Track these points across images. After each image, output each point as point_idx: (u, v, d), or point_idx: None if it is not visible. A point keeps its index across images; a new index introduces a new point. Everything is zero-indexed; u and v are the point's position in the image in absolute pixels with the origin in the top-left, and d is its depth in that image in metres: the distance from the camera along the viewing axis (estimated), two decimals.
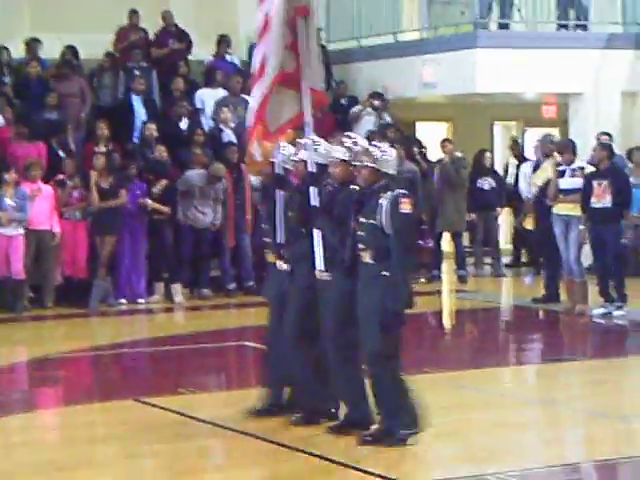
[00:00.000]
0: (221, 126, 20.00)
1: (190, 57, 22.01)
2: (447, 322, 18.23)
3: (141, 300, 18.23)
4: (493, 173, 20.64)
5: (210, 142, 19.46)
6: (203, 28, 22.09)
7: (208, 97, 20.97)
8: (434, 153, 21.40)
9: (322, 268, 9.63)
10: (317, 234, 9.69)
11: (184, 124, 20.01)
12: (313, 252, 9.71)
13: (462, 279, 20.58)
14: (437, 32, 23.29)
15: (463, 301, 19.26)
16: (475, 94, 21.88)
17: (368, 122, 21.73)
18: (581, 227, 16.62)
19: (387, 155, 9.44)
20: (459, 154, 20.90)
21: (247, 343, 14.86)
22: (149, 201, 18.11)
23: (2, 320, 16.93)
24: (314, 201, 9.81)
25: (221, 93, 20.81)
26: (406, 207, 9.20)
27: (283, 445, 9.54)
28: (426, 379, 12.54)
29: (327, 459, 9.13)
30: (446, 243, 21.38)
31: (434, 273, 20.82)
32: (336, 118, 22.00)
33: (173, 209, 18.38)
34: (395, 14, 23.26)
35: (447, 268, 21.27)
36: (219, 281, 19.03)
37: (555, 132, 22.06)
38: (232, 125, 20.04)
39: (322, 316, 9.71)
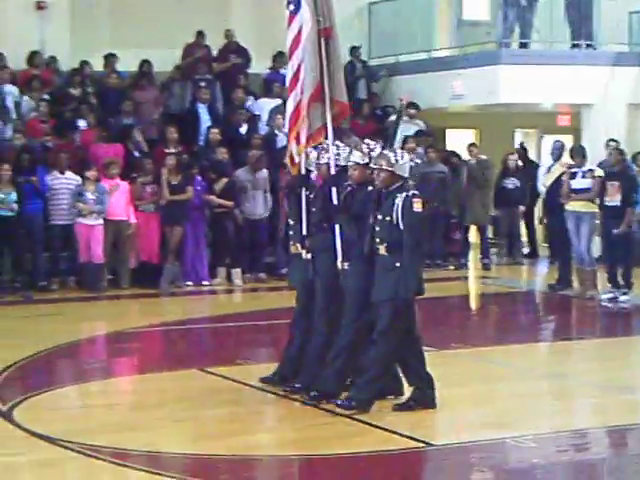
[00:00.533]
0: (276, 131, 20.02)
1: (249, 70, 22.02)
2: (473, 304, 18.20)
3: (205, 282, 18.30)
4: (518, 174, 20.55)
5: (266, 145, 19.49)
6: (261, 45, 22.07)
7: (264, 106, 21.01)
8: (462, 156, 21.33)
9: (342, 259, 9.66)
10: (337, 229, 9.72)
11: (243, 129, 20.09)
12: (334, 245, 9.74)
13: (486, 267, 20.52)
14: (465, 50, 23.26)
15: (487, 286, 19.21)
16: (498, 104, 21.79)
17: (404, 129, 21.69)
18: (597, 222, 16.84)
19: (402, 160, 9.44)
20: (484, 157, 20.89)
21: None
22: (214, 197, 18.17)
23: (84, 299, 17.04)
24: (334, 200, 9.83)
25: (276, 102, 20.83)
26: (418, 206, 9.26)
27: (326, 410, 9.60)
28: (454, 354, 12.60)
29: (362, 422, 9.21)
30: (472, 235, 21.33)
31: (462, 261, 20.86)
32: (377, 125, 22.05)
33: (236, 203, 18.45)
34: (429, 34, 23.20)
35: (473, 257, 21.24)
36: (273, 266, 19.06)
37: (568, 139, 22.01)
38: (285, 130, 20.04)
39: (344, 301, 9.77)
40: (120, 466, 8.22)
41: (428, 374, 9.68)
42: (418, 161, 20.67)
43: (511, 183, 20.26)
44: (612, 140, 19.24)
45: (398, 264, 9.22)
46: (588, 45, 22.11)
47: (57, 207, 17.54)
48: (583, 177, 16.52)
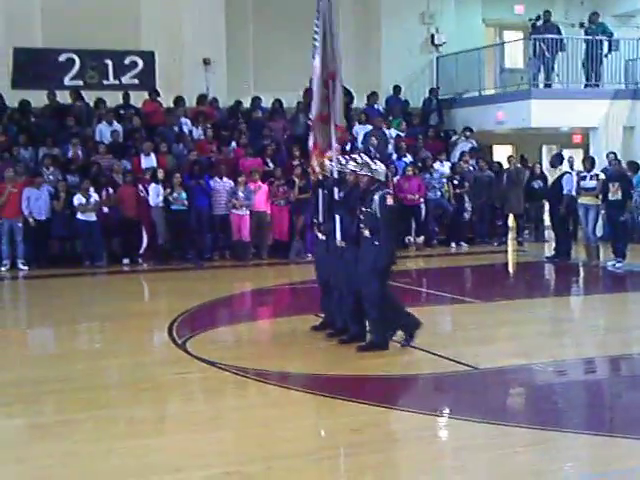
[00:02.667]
0: (370, 148, 19.95)
1: (352, 105, 22.01)
2: (511, 270, 18.02)
3: None
4: (542, 177, 20.27)
5: None
6: (359, 86, 22.05)
7: (361, 130, 20.96)
8: (504, 164, 21.13)
9: (340, 239, 9.55)
10: (337, 218, 9.59)
11: (347, 147, 20.02)
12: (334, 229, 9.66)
13: (520, 243, 20.27)
14: (506, 89, 23.01)
15: (520, 257, 18.94)
16: (530, 128, 21.56)
17: (462, 146, 21.56)
18: (602, 212, 16.93)
19: (379, 168, 9.33)
20: (519, 165, 20.68)
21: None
22: None
23: (235, 266, 17.19)
24: (336, 196, 9.73)
25: (369, 128, 20.78)
26: (390, 201, 9.12)
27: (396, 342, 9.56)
28: (495, 305, 12.48)
29: (429, 352, 9.15)
30: (510, 221, 21.12)
31: (503, 239, 20.60)
32: (443, 143, 21.99)
33: None
34: (480, 78, 23.00)
35: (511, 236, 21.00)
36: None
37: (580, 152, 21.77)
38: (376, 147, 19.98)
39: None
40: (260, 382, 8.31)
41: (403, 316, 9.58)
42: (471, 168, 20.56)
43: (537, 184, 19.97)
44: (612, 153, 19.01)
45: (377, 242, 9.11)
46: (595, 84, 21.81)
47: (218, 202, 17.72)
48: (591, 179, 16.42)
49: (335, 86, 9.97)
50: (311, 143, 10.29)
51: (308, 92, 21.66)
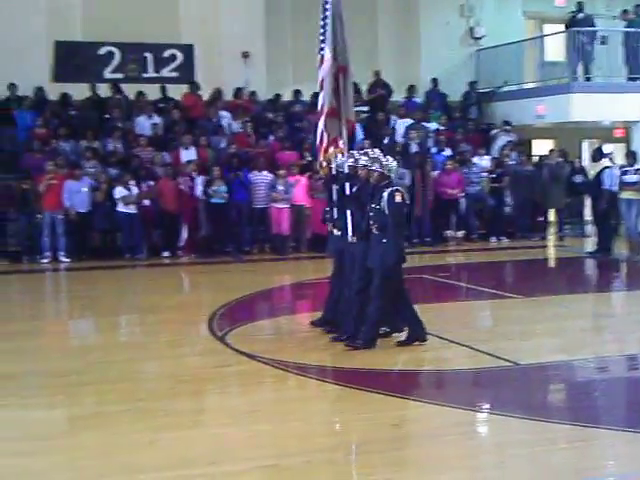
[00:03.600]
0: (409, 142, 19.90)
1: (390, 99, 21.95)
2: (551, 265, 17.86)
3: None
4: (583, 172, 20.10)
5: (403, 152, 19.38)
6: (398, 80, 22.00)
7: (401, 124, 20.89)
8: (544, 159, 20.98)
9: (351, 235, 9.39)
10: (349, 214, 9.43)
11: (386, 140, 19.98)
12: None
13: (561, 238, 20.11)
14: (546, 83, 22.83)
15: (561, 252, 18.78)
16: (570, 122, 21.33)
17: (502, 140, 21.42)
18: None
19: (390, 164, 9.18)
20: (560, 159, 20.47)
21: (425, 276, 14.78)
22: None
23: (275, 259, 17.20)
24: (347, 192, 9.52)
25: (409, 121, 20.70)
26: (398, 198, 8.94)
27: (444, 338, 9.48)
28: (537, 300, 12.36)
29: (469, 347, 9.12)
30: (551, 216, 20.96)
31: (543, 234, 20.42)
32: (483, 135, 21.89)
33: None
34: (520, 71, 22.85)
35: (551, 231, 20.83)
36: (409, 236, 18.87)
37: (621, 146, 21.60)
38: (416, 141, 19.93)
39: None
40: (299, 375, 8.32)
41: (417, 317, 9.34)
42: (512, 162, 20.41)
43: (578, 178, 19.81)
44: None
45: (385, 240, 8.95)
46: (637, 78, 21.59)
47: (257, 195, 17.73)
48: (634, 173, 16.28)
49: (346, 80, 9.80)
50: (318, 138, 10.04)
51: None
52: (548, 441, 6.38)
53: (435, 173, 19.31)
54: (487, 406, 7.41)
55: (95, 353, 9.51)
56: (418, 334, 9.33)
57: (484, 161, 20.31)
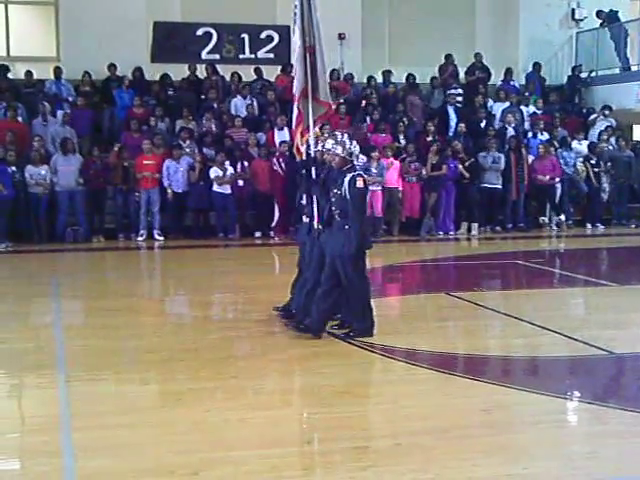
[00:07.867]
0: (506, 125, 19.68)
1: (489, 82, 21.73)
2: None
3: (451, 233, 18.21)
4: None
5: (499, 135, 19.19)
6: (496, 63, 21.76)
7: (497, 107, 20.67)
8: None
9: (317, 222, 9.11)
10: (314, 199, 9.13)
11: (482, 124, 19.79)
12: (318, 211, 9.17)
13: None
14: None
15: None
16: None
17: (600, 125, 21.01)
18: None
19: (353, 148, 8.85)
20: None
21: (518, 261, 14.65)
22: (463, 171, 18.20)
23: None
24: (314, 177, 9.19)
25: (506, 104, 20.46)
26: (360, 183, 8.62)
27: (531, 322, 9.37)
28: (632, 289, 12.10)
29: (565, 335, 8.94)
30: None
31: None
32: (582, 119, 21.54)
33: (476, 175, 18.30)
34: (622, 54, 22.36)
35: None
36: (504, 222, 18.81)
37: None
38: (513, 125, 19.70)
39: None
40: (389, 358, 8.33)
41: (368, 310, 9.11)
42: (610, 147, 20.02)
43: None
44: None
45: (347, 227, 8.69)
46: None
47: None
48: None
49: (315, 60, 9.56)
50: (294, 122, 9.79)
51: (443, 67, 21.64)
52: None
53: (530, 157, 19.06)
54: (579, 395, 7.31)
55: (188, 330, 9.68)
56: (361, 330, 9.03)
57: (582, 146, 19.95)
